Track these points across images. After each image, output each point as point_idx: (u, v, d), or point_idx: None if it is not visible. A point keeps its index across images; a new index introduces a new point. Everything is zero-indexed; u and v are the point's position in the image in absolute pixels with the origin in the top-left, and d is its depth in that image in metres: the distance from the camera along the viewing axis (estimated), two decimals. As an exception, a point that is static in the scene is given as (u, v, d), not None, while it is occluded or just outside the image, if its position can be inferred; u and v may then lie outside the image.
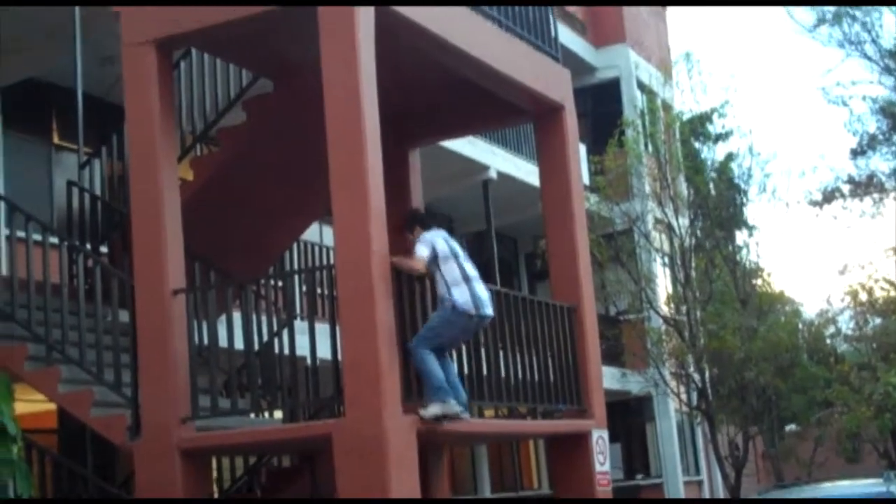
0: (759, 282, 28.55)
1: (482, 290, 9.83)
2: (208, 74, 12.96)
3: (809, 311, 38.12)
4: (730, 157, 27.59)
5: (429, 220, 10.25)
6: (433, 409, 9.43)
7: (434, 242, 9.73)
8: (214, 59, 12.78)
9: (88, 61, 13.58)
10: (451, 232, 24.98)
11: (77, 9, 12.81)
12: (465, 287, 9.68)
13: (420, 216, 10.28)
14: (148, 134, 10.15)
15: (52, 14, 12.93)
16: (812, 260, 69.30)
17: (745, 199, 28.02)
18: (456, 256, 9.80)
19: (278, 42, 11.05)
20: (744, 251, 28.21)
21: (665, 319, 26.19)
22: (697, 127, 27.54)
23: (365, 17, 9.42)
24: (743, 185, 27.64)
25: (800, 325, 32.26)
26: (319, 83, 9.40)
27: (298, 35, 10.20)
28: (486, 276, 21.58)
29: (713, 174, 27.60)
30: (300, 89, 11.56)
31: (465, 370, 10.41)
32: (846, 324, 34.78)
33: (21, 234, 11.49)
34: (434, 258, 9.65)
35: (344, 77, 9.30)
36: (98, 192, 13.40)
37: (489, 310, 9.86)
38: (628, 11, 31.56)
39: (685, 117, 27.56)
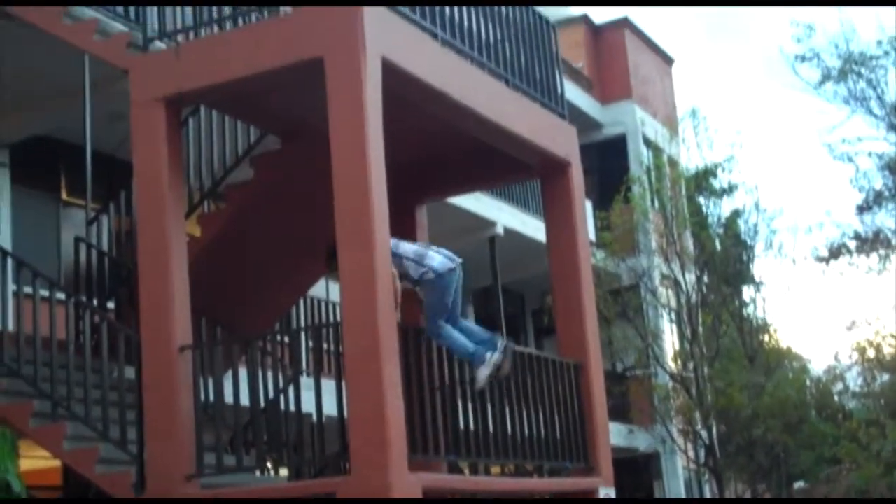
0: (767, 338, 28.52)
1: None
2: (216, 131, 13.03)
3: (817, 367, 38.03)
4: (736, 213, 27.66)
5: None
6: (482, 373, 9.95)
7: None
8: (223, 115, 12.85)
9: (97, 118, 13.65)
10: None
11: (87, 67, 12.90)
12: (431, 251, 10.05)
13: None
14: (156, 190, 10.19)
15: (62, 71, 13.04)
16: (819, 316, 69.10)
17: (751, 255, 28.07)
18: (402, 239, 10.11)
19: (286, 99, 11.11)
20: (751, 307, 28.20)
21: (672, 376, 26.15)
22: (702, 182, 27.64)
23: (373, 76, 9.47)
24: (749, 242, 27.70)
25: (807, 382, 32.18)
26: (327, 140, 9.44)
27: (306, 92, 10.27)
28: (493, 332, 21.60)
29: (719, 230, 27.67)
30: (308, 146, 11.61)
31: (472, 427, 10.38)
32: (854, 380, 34.67)
33: (28, 289, 11.50)
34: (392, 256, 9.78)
35: (351, 135, 9.33)
36: (105, 247, 13.43)
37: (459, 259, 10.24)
38: (634, 69, 31.77)
39: (690, 172, 27.66)
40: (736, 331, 27.00)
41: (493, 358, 10.01)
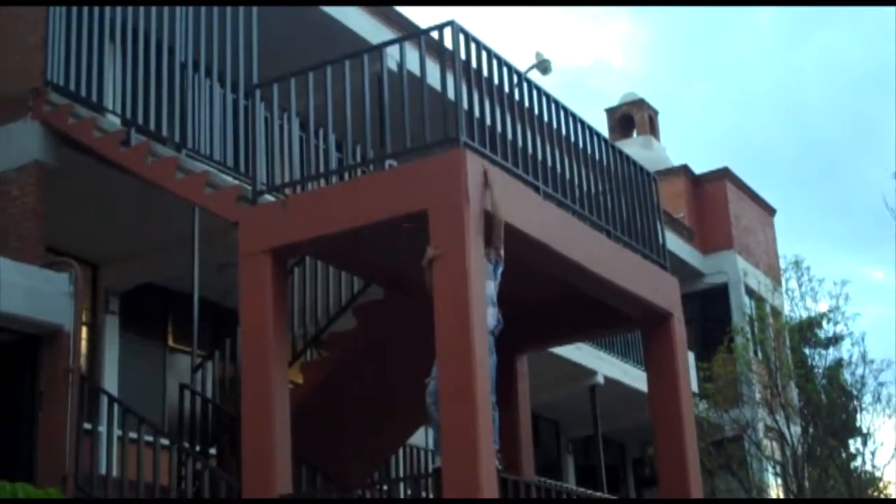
0: (876, 492, 27.70)
1: None
2: (321, 280, 13.23)
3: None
4: (839, 363, 27.15)
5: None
6: None
7: None
8: (327, 265, 13.05)
9: (205, 267, 13.94)
10: (558, 436, 24.78)
11: (197, 220, 13.20)
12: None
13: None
14: (261, 339, 10.33)
15: (172, 223, 13.36)
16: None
17: (858, 407, 27.45)
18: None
19: (389, 251, 11.24)
20: (858, 459, 27.49)
21: (778, 531, 25.50)
22: (807, 332, 27.26)
23: (475, 229, 9.56)
24: (856, 393, 27.12)
25: (918, 538, 31.06)
26: (430, 291, 9.51)
27: (409, 244, 10.39)
28: (594, 482, 21.33)
29: (824, 381, 27.15)
30: (410, 297, 11.71)
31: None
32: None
33: (133, 435, 11.64)
34: None
35: (454, 288, 9.38)
36: (209, 394, 13.58)
37: None
38: (736, 219, 31.72)
39: (794, 323, 27.32)
40: (843, 485, 26.28)
41: None
